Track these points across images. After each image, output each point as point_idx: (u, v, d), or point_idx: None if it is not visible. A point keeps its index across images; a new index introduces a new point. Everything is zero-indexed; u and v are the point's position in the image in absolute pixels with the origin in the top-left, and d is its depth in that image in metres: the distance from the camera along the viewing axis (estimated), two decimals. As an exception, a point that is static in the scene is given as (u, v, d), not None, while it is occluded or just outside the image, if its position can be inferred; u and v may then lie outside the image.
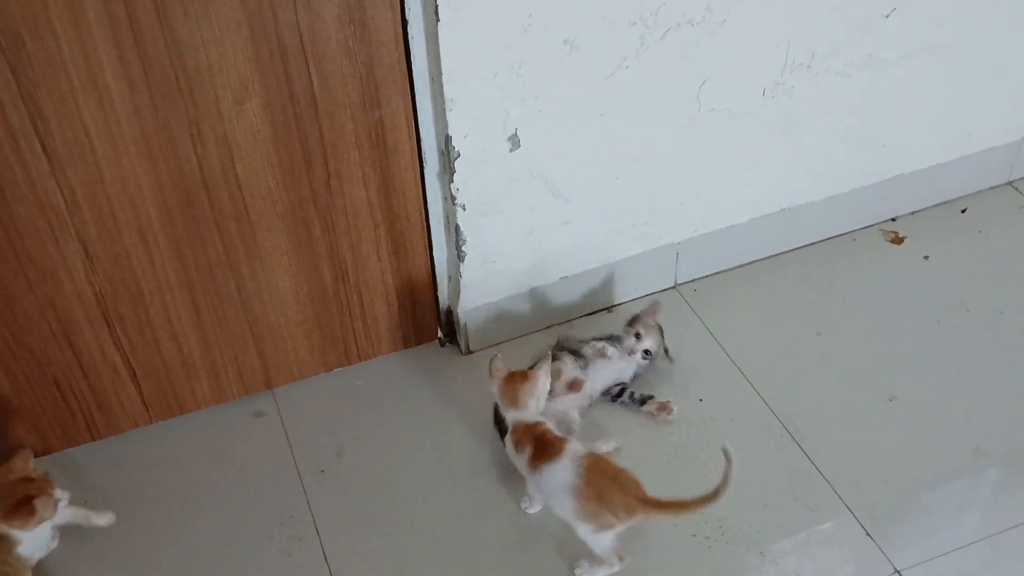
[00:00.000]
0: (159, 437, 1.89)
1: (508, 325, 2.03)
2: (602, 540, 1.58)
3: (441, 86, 1.63)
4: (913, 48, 1.95)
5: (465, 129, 1.69)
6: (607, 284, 2.06)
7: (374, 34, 1.57)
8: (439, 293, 1.97)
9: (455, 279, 1.92)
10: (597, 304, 2.09)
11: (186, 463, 1.85)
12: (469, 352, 2.02)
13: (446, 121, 1.67)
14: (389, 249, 1.86)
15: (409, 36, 1.59)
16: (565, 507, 1.58)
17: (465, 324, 1.98)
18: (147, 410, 1.88)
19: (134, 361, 1.80)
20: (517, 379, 1.67)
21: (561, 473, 1.57)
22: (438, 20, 1.54)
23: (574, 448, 1.60)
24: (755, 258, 2.17)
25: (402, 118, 1.69)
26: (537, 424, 1.65)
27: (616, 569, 1.62)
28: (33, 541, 1.57)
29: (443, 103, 1.65)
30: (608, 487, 1.54)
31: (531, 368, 1.70)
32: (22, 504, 1.51)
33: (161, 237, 1.67)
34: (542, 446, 1.61)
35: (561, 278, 2.01)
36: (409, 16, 1.57)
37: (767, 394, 1.91)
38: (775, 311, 2.06)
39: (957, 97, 2.08)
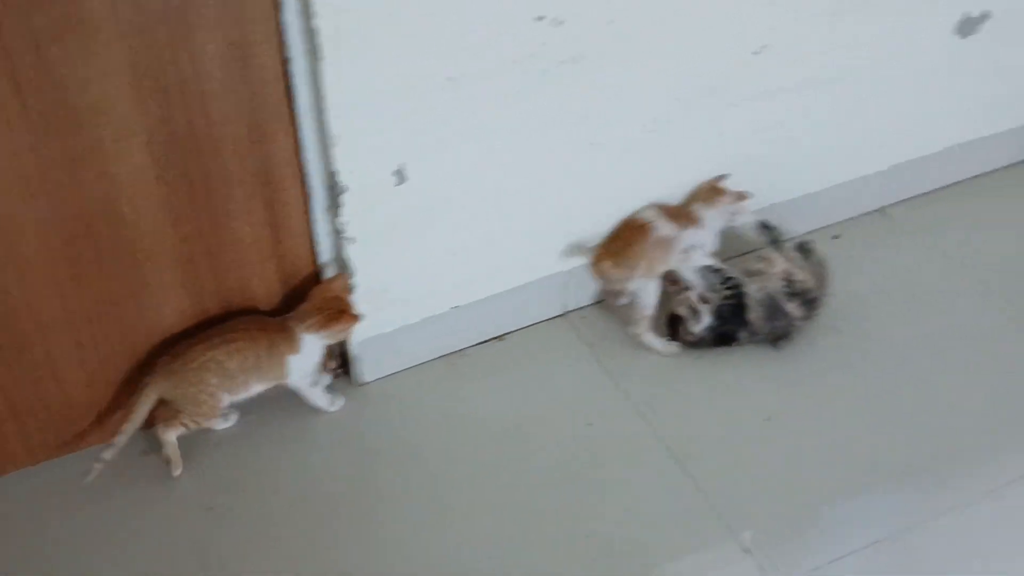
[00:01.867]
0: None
1: (401, 355, 2.05)
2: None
3: (325, 122, 1.65)
4: (784, 83, 2.04)
5: (351, 164, 1.72)
6: (497, 313, 2.10)
7: (257, 72, 1.59)
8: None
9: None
10: (490, 333, 2.13)
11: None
12: (363, 384, 2.04)
13: (331, 156, 1.70)
14: (278, 284, 1.87)
15: (292, 74, 1.62)
16: None
17: (358, 355, 2.00)
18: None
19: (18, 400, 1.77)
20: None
21: None
22: (319, 58, 1.57)
23: None
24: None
25: (287, 154, 1.70)
26: None
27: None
28: (309, 358, 1.85)
29: (328, 139, 1.67)
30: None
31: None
32: (343, 313, 1.81)
33: (42, 275, 1.65)
34: None
35: (453, 308, 2.05)
36: (291, 54, 1.59)
37: (652, 418, 1.97)
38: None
39: (827, 129, 2.19)
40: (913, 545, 1.76)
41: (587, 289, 2.18)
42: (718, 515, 1.80)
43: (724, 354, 2.08)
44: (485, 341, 2.13)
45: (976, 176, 2.47)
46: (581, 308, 2.20)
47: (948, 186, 2.45)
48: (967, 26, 2.16)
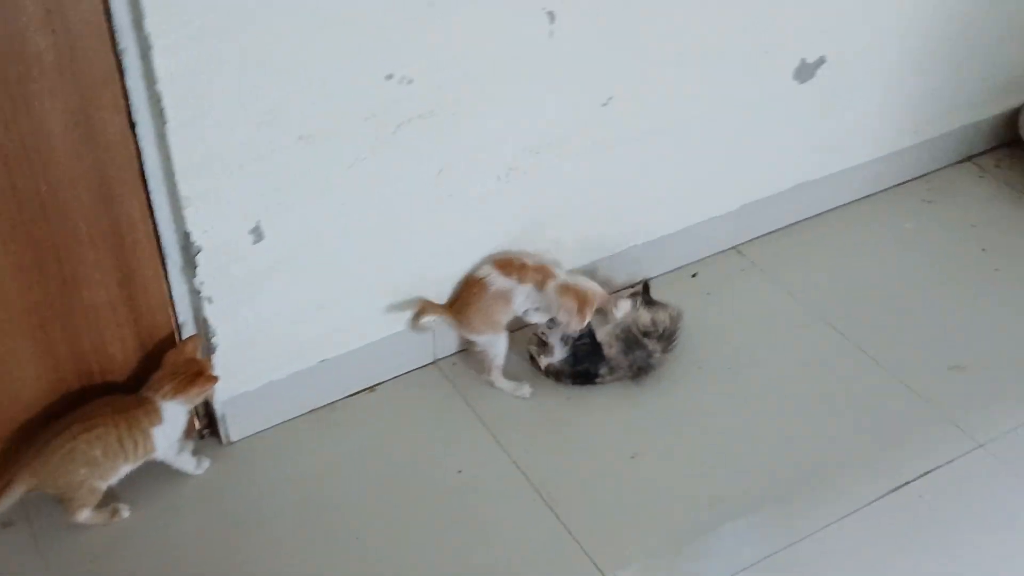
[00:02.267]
0: None
1: (269, 412, 2.04)
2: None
3: (175, 184, 1.65)
4: (632, 132, 2.12)
5: (204, 224, 1.72)
6: (366, 364, 2.11)
7: (102, 137, 1.58)
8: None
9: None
10: (359, 385, 2.14)
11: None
12: (230, 443, 2.02)
13: (184, 217, 1.69)
14: (136, 347, 1.84)
15: (139, 137, 1.61)
16: None
17: (224, 415, 1.98)
18: None
19: None
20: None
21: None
22: (164, 122, 1.57)
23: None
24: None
25: (138, 217, 1.69)
26: None
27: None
28: (173, 426, 1.82)
29: (179, 200, 1.67)
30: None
31: None
32: (198, 375, 1.78)
33: None
34: None
35: (321, 361, 2.05)
36: (137, 118, 1.59)
37: (523, 461, 2.00)
38: (523, 378, 2.16)
39: (677, 173, 2.28)
40: (774, 571, 1.83)
41: (456, 337, 2.20)
42: (587, 555, 1.84)
43: (590, 394, 2.13)
44: (356, 393, 2.13)
45: (820, 213, 2.60)
46: (451, 355, 2.22)
47: (796, 223, 2.57)
48: (804, 72, 2.28)
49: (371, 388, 2.15)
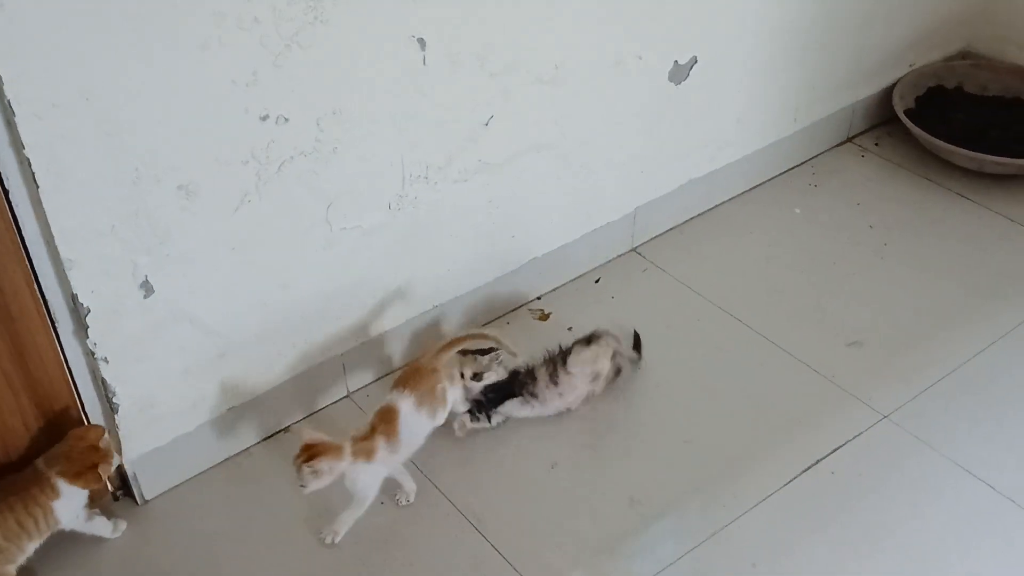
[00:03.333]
0: None
1: (182, 465, 2.01)
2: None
3: (56, 248, 1.62)
4: (518, 149, 2.15)
5: (91, 284, 1.69)
6: (278, 406, 2.10)
7: (-26, 208, 1.54)
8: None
9: (114, 431, 1.89)
10: (272, 428, 2.12)
11: None
12: (145, 502, 1.98)
13: (68, 280, 1.66)
14: (35, 415, 1.81)
15: (13, 204, 1.58)
16: None
17: (135, 474, 1.95)
18: None
19: None
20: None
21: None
22: (38, 187, 1.55)
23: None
24: (415, 356, 2.27)
25: (22, 284, 1.66)
26: None
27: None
28: (73, 504, 1.77)
29: (62, 264, 1.64)
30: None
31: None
32: (91, 470, 1.74)
33: None
34: None
35: (229, 409, 2.03)
36: (9, 185, 1.56)
37: (443, 486, 2.00)
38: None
39: (570, 184, 2.31)
40: (698, 562, 1.86)
41: (368, 367, 2.20)
42: (517, 573, 1.85)
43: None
44: (270, 436, 2.12)
45: (713, 207, 2.66)
46: (366, 386, 2.22)
47: (691, 219, 2.63)
48: (678, 73, 2.34)
49: (286, 429, 2.13)
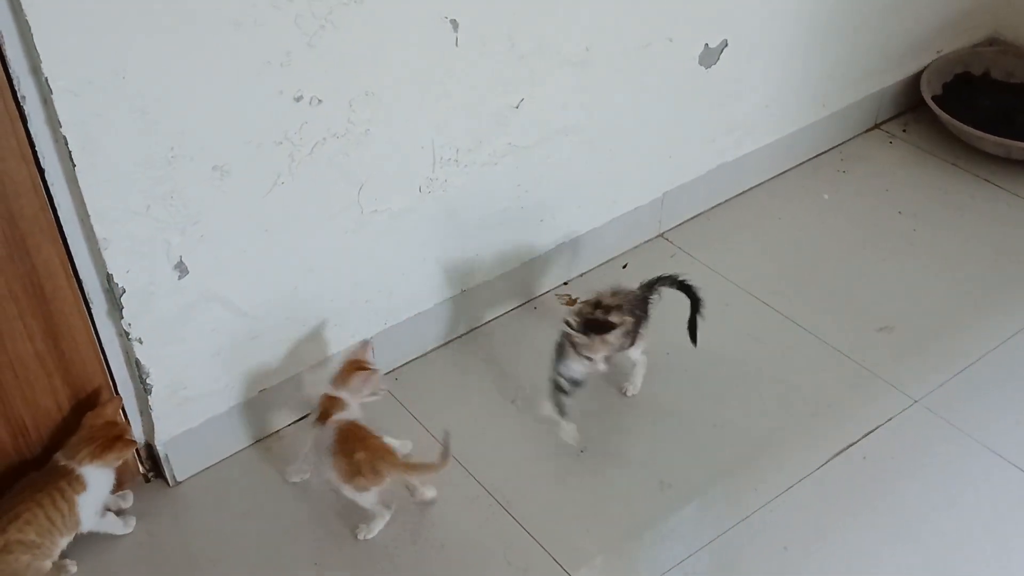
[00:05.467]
0: None
1: (213, 447, 2.02)
2: (365, 499, 1.83)
3: (91, 227, 1.63)
4: (547, 132, 2.15)
5: (126, 264, 1.69)
6: (310, 388, 2.09)
7: (9, 187, 1.55)
8: (132, 429, 1.93)
9: (146, 412, 1.90)
10: (303, 409, 2.12)
11: None
12: (177, 483, 1.99)
13: (103, 260, 1.67)
14: (68, 396, 1.81)
15: (49, 183, 1.58)
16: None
17: (166, 455, 1.95)
18: None
19: None
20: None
21: (324, 436, 1.83)
22: (74, 166, 1.55)
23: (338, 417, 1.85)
24: (444, 340, 2.27)
25: (56, 264, 1.66)
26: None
27: (387, 517, 1.88)
28: (100, 493, 1.77)
29: (97, 243, 1.64)
30: (357, 449, 1.79)
31: None
32: (117, 439, 1.74)
33: None
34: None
35: (260, 391, 2.03)
36: (45, 164, 1.56)
37: (473, 468, 2.00)
38: (471, 387, 2.18)
39: (598, 168, 2.30)
40: (730, 545, 1.86)
41: (397, 350, 2.20)
42: (548, 554, 1.85)
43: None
44: (302, 418, 2.12)
45: (741, 193, 2.65)
46: (396, 368, 2.22)
47: (719, 204, 2.62)
48: (709, 56, 2.33)
49: (316, 412, 2.14)
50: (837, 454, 2.00)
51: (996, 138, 2.63)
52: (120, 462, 1.80)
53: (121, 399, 1.83)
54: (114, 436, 1.76)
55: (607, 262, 2.47)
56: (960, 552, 1.83)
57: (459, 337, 2.29)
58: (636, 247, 2.51)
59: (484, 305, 2.30)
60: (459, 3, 1.85)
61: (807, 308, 2.32)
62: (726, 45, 2.34)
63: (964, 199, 2.62)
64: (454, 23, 1.86)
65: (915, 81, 2.85)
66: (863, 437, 2.03)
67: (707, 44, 2.31)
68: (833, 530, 1.88)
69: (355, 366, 1.93)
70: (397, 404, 2.13)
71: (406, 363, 2.23)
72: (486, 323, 2.32)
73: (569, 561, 1.84)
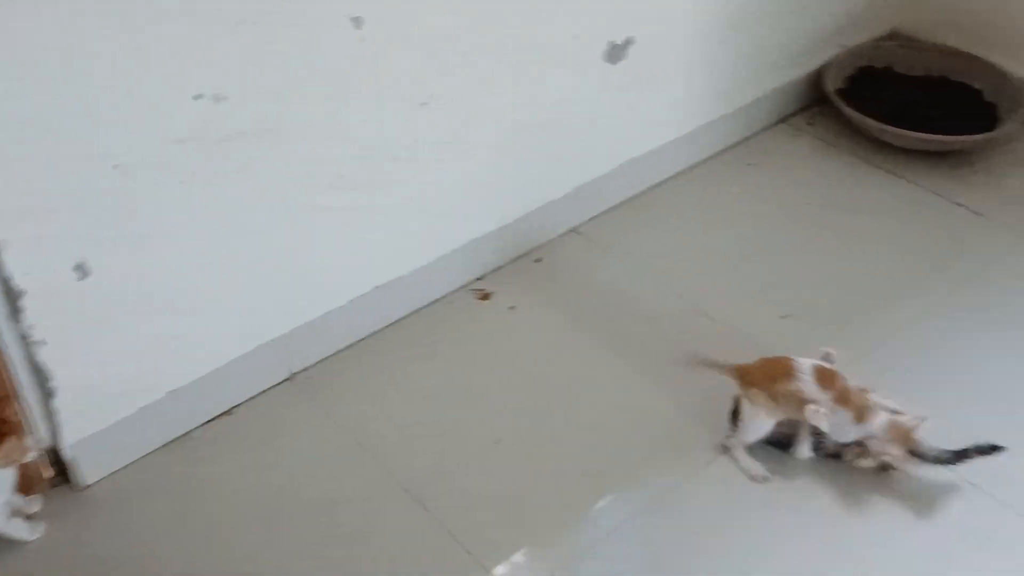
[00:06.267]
0: None
1: (122, 450, 2.00)
2: None
3: (-12, 229, 1.60)
4: (457, 128, 2.16)
5: (25, 266, 1.67)
6: (219, 388, 2.09)
7: (-101, 188, 1.52)
8: (37, 435, 1.90)
9: (52, 415, 1.87)
10: (214, 411, 2.11)
11: None
12: (86, 487, 1.97)
13: (2, 261, 1.64)
14: (-32, 400, 1.78)
15: (-58, 185, 1.56)
16: None
17: (74, 458, 1.93)
18: None
19: None
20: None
21: None
22: (-33, 166, 1.53)
23: None
24: (361, 336, 2.28)
25: (-49, 268, 1.63)
26: None
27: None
28: None
29: (-7, 245, 1.62)
30: None
31: None
32: (5, 438, 1.67)
33: None
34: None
35: (169, 392, 2.01)
36: (-63, 165, 1.54)
37: (391, 465, 2.01)
38: (388, 384, 2.18)
39: (510, 163, 2.33)
40: (645, 527, 1.90)
41: (311, 348, 2.20)
42: (462, 546, 1.87)
43: (446, 390, 2.16)
44: (212, 419, 2.11)
45: (652, 186, 2.70)
46: (307, 368, 2.22)
47: (630, 198, 2.66)
48: (615, 53, 2.37)
49: (228, 412, 2.13)
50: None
51: (897, 130, 2.72)
52: (18, 458, 1.76)
53: (15, 398, 1.79)
54: (3, 433, 1.72)
55: (521, 256, 2.50)
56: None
57: (374, 334, 2.30)
58: (550, 240, 2.55)
59: (400, 301, 2.31)
60: (364, 1, 1.86)
61: (715, 297, 2.37)
62: (632, 42, 2.38)
63: (867, 189, 2.70)
64: (357, 20, 1.87)
65: (819, 75, 2.93)
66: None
67: (612, 42, 2.35)
68: (743, 510, 1.93)
69: None
70: (312, 404, 2.14)
71: (319, 361, 2.23)
72: (403, 319, 2.33)
73: (483, 553, 1.86)
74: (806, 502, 1.94)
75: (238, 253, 1.96)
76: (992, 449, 1.90)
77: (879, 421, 1.90)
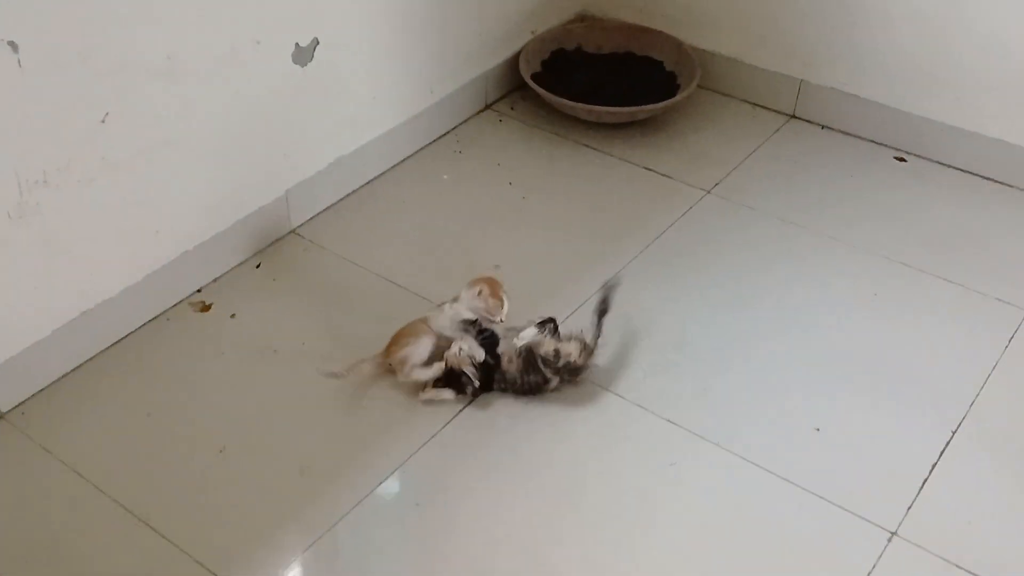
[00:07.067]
0: None
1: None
2: None
3: None
4: (145, 144, 2.15)
5: None
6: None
7: None
8: None
9: None
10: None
11: None
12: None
13: None
14: None
15: None
16: None
17: None
18: None
19: None
20: None
21: None
22: None
23: None
24: (76, 364, 2.23)
25: None
26: None
27: None
28: None
29: None
30: None
31: None
32: None
33: None
34: None
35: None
36: None
37: (113, 490, 1.98)
38: (108, 408, 2.15)
39: (209, 175, 2.34)
40: (369, 509, 1.97)
41: (19, 384, 2.14)
42: (193, 559, 1.88)
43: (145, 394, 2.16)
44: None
45: (367, 182, 2.78)
46: (20, 404, 2.15)
47: (347, 195, 2.73)
48: (302, 55, 2.42)
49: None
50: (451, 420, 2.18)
51: (587, 106, 2.92)
52: None
53: None
54: None
55: (240, 264, 2.52)
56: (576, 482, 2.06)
57: (90, 360, 2.25)
58: (269, 246, 2.57)
59: (110, 324, 2.28)
60: (17, 24, 1.82)
61: (428, 280, 2.47)
62: (318, 43, 2.44)
63: (566, 164, 2.89)
64: (13, 45, 1.84)
65: (514, 63, 3.09)
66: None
67: (298, 43, 2.40)
68: (458, 479, 2.04)
69: None
70: (28, 442, 2.07)
71: (27, 399, 2.16)
72: (119, 341, 2.30)
73: (213, 561, 1.87)
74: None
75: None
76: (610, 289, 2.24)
77: (472, 290, 2.21)
